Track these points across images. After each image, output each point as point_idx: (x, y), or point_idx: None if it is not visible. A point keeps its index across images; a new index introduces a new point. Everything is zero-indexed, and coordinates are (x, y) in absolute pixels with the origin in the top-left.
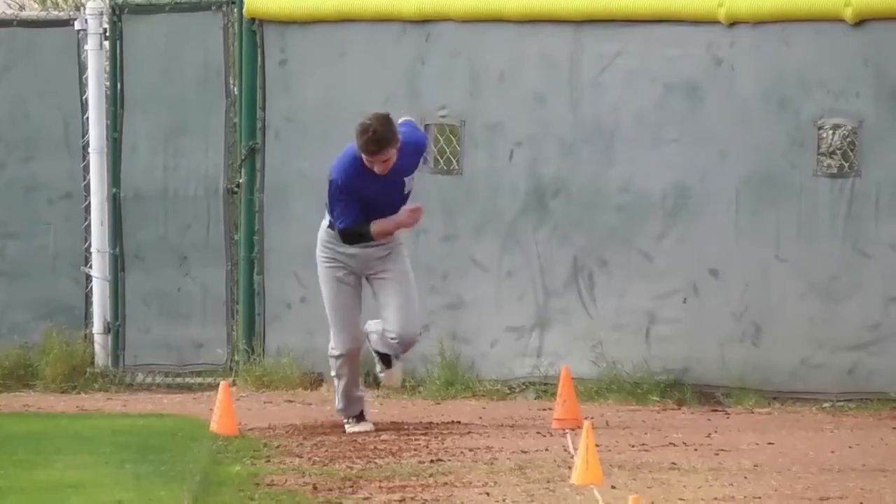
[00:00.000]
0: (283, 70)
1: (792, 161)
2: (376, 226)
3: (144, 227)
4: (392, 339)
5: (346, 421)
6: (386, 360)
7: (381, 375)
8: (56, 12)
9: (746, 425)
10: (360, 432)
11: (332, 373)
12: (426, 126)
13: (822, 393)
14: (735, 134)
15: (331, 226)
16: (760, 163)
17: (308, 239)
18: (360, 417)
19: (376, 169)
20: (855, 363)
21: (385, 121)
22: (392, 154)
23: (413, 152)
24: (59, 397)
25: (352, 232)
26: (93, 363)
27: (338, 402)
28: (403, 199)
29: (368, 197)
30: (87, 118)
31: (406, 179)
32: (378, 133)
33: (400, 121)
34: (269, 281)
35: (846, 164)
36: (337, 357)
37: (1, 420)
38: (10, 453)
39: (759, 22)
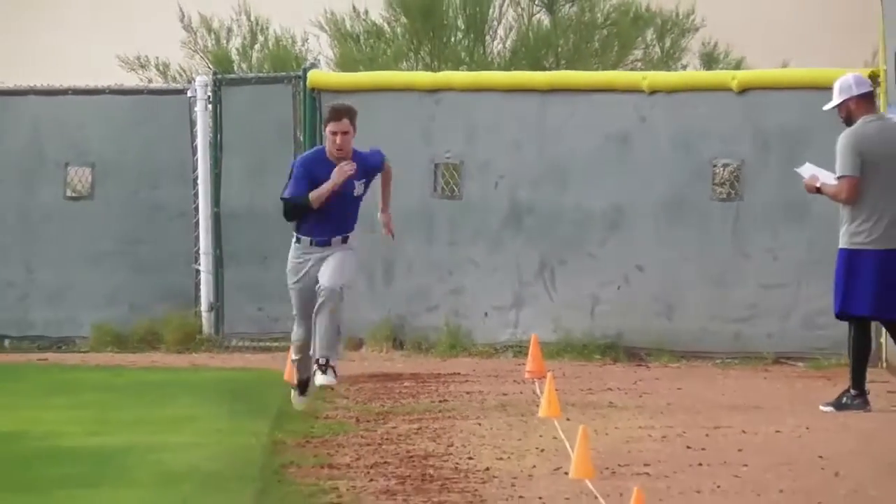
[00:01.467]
0: None
1: (694, 189)
2: (313, 193)
3: (237, 236)
4: (318, 288)
5: (294, 389)
6: (322, 368)
7: (315, 379)
8: (174, 84)
9: (662, 376)
10: (298, 403)
11: (291, 355)
12: (436, 164)
13: (715, 353)
14: (654, 170)
15: (297, 241)
16: (672, 190)
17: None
18: (302, 390)
19: (337, 140)
20: (738, 331)
21: (348, 105)
22: (349, 127)
23: (367, 168)
24: (177, 356)
25: (293, 202)
26: (201, 332)
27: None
28: (352, 200)
29: (320, 183)
30: (196, 159)
31: (356, 183)
32: (340, 105)
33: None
34: None
35: (733, 192)
36: (294, 342)
37: (135, 372)
38: (142, 396)
39: (672, 91)
